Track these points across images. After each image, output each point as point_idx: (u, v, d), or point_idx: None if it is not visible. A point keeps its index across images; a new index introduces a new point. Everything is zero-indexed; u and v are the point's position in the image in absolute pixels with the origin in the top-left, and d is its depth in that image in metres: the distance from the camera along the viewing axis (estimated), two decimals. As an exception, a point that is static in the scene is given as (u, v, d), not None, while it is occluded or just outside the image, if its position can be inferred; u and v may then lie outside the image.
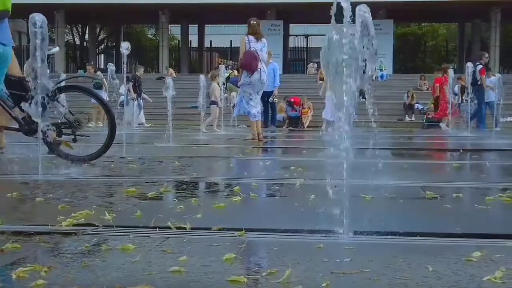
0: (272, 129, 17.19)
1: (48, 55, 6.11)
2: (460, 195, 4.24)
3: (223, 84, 18.35)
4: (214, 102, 16.26)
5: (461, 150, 8.94)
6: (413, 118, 23.05)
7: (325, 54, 2.97)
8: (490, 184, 5.14)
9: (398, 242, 2.80)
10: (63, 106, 6.44)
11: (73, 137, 6.20)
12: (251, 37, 10.56)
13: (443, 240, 2.84)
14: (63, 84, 6.31)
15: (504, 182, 5.06)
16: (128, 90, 18.85)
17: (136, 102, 19.09)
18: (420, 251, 2.58)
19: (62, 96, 6.45)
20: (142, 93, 19.81)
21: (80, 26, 46.09)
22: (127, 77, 9.91)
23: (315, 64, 33.85)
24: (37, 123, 5.49)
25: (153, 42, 47.85)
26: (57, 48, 7.03)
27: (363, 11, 3.41)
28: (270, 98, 17.90)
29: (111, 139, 6.24)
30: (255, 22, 10.70)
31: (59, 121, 6.19)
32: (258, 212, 3.73)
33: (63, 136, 6.16)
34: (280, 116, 20.59)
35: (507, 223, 3.35)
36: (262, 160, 7.06)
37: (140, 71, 20.31)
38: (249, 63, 10.52)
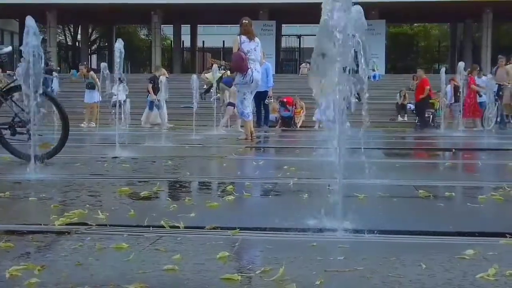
0: (265, 129, 17.18)
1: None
2: (453, 194, 4.25)
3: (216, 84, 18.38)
4: (231, 104, 16.32)
5: (453, 150, 8.97)
6: (406, 118, 23.09)
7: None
8: (483, 183, 5.17)
9: (392, 240, 2.81)
10: (17, 105, 6.40)
11: (28, 136, 6.16)
12: (244, 37, 10.55)
13: (436, 238, 2.85)
14: (16, 83, 6.25)
15: (497, 181, 5.07)
16: (148, 91, 18.75)
17: (153, 103, 18.84)
18: (414, 249, 2.59)
19: (17, 95, 6.41)
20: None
21: (72, 26, 45.95)
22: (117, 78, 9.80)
23: (308, 64, 33.83)
24: None
25: (145, 43, 47.74)
26: (9, 48, 6.95)
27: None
28: (266, 100, 17.92)
29: (64, 139, 6.20)
30: (247, 22, 10.69)
31: (13, 120, 6.17)
32: (251, 211, 3.73)
33: (17, 135, 6.13)
34: (273, 116, 20.57)
35: (499, 222, 3.37)
36: (255, 159, 7.06)
37: (158, 72, 20.01)
38: (238, 66, 10.54)
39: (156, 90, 18.82)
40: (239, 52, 10.46)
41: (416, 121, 21.04)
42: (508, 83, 16.71)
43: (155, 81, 18.99)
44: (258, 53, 10.66)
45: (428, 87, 19.39)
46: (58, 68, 25.29)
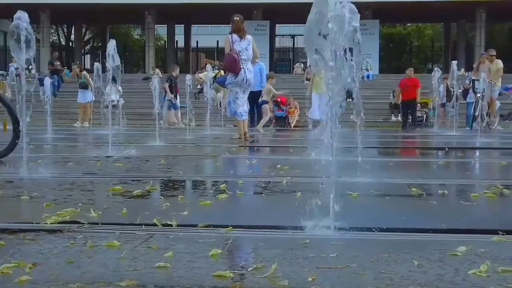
0: (258, 129, 17.15)
1: None
2: (446, 191, 4.26)
3: (210, 84, 18.37)
4: (265, 102, 16.84)
5: (446, 149, 9.00)
6: (399, 118, 23.11)
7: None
8: (475, 181, 5.18)
9: (384, 237, 2.81)
10: None
11: None
12: (235, 36, 10.50)
13: (429, 235, 2.85)
14: None
15: (489, 179, 5.08)
16: (165, 90, 18.69)
17: (171, 102, 18.75)
18: (406, 247, 2.59)
19: None
20: (177, 93, 19.26)
21: (65, 26, 45.84)
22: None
23: (302, 64, 33.84)
24: None
25: (139, 43, 47.67)
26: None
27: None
28: (260, 100, 17.97)
29: (15, 140, 6.15)
30: (238, 18, 10.65)
31: None
32: (244, 209, 3.73)
33: None
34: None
35: (491, 219, 3.37)
36: (248, 158, 7.05)
37: (176, 71, 19.88)
38: (231, 67, 10.51)
39: (172, 89, 18.75)
40: (231, 53, 10.43)
41: (409, 120, 20.97)
42: (490, 81, 16.66)
43: (172, 80, 18.91)
44: (250, 53, 10.63)
45: (419, 88, 19.40)
46: (65, 68, 25.06)
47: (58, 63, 26.31)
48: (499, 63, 17.40)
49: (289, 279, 2.07)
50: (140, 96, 22.56)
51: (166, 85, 18.70)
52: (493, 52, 17.57)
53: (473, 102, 17.45)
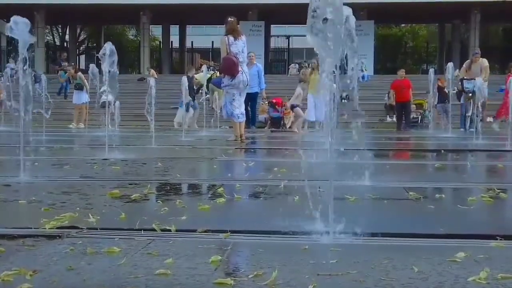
0: (253, 130, 17.16)
1: None
2: (443, 195, 4.27)
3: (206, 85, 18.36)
4: (295, 105, 17.02)
5: (442, 151, 9.01)
6: (394, 119, 23.13)
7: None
8: (472, 185, 5.19)
9: (383, 243, 2.81)
10: None
11: None
12: (231, 38, 10.48)
13: (427, 241, 2.86)
14: None
15: (486, 183, 5.10)
16: (181, 93, 18.60)
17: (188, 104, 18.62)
18: (405, 252, 2.60)
19: None
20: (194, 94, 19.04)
21: (60, 26, 45.73)
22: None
23: (297, 65, 33.83)
24: None
25: (134, 43, 47.60)
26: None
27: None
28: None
29: None
30: (232, 19, 10.66)
31: None
32: (242, 213, 3.73)
33: None
34: (262, 117, 20.56)
35: (489, 224, 3.39)
36: (245, 161, 7.05)
37: (192, 72, 19.71)
38: (230, 70, 10.48)
39: (190, 90, 18.63)
40: (230, 56, 10.40)
41: (404, 121, 20.98)
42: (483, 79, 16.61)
43: (189, 82, 18.79)
44: (245, 54, 10.65)
45: (411, 89, 19.42)
46: (74, 69, 24.84)
47: (66, 63, 26.27)
48: (485, 62, 17.56)
49: (290, 286, 2.08)
50: (134, 97, 22.48)
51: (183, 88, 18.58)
52: (479, 51, 17.93)
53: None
